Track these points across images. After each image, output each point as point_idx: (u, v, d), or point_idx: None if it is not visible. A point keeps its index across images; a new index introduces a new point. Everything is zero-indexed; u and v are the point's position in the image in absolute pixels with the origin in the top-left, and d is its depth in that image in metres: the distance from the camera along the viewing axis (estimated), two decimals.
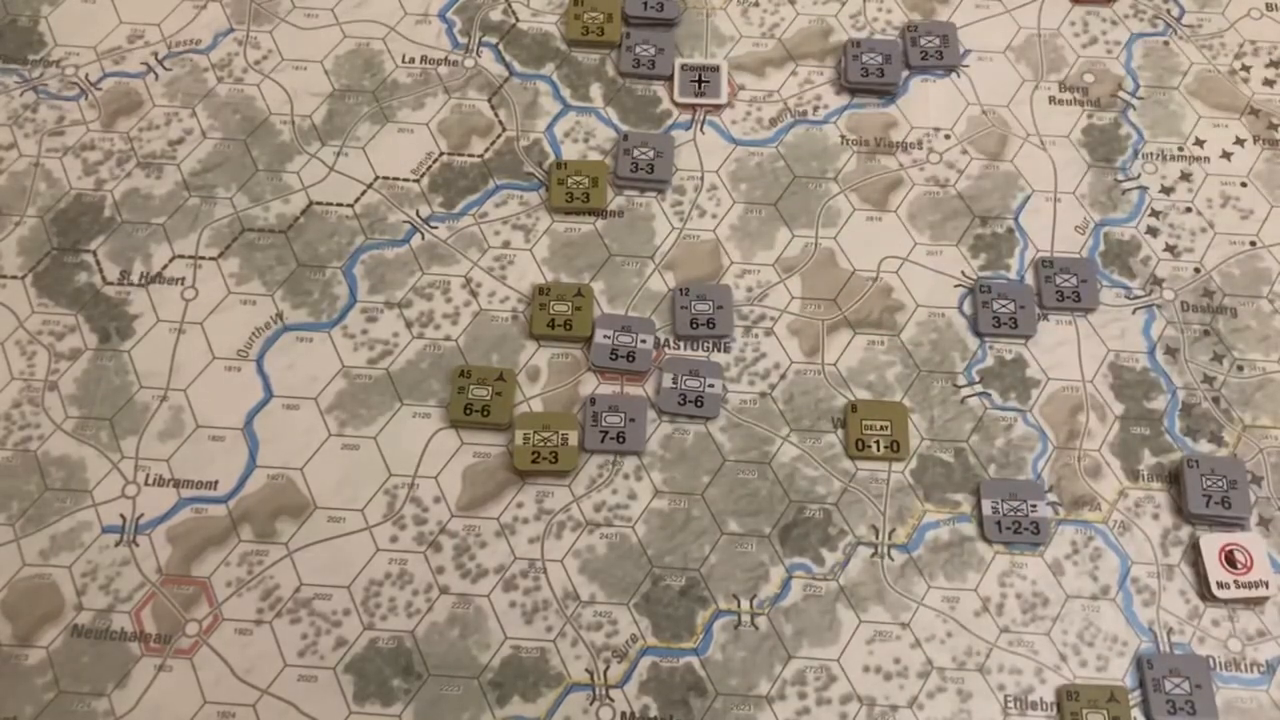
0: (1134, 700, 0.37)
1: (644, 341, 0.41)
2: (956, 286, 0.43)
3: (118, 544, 0.39)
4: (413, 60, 0.47)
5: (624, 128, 0.45)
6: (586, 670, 0.37)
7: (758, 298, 0.43)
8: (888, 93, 0.46)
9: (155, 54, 0.47)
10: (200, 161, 0.44)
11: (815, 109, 0.46)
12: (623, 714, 0.37)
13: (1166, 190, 0.45)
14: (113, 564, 0.38)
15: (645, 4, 0.47)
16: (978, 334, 0.42)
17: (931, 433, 0.41)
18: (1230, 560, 0.39)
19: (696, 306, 0.42)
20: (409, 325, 0.42)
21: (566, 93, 0.46)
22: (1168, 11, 0.48)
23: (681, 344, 0.42)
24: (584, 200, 0.44)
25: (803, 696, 0.37)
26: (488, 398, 0.40)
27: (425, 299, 0.42)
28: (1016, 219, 0.44)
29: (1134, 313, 0.42)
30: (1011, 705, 0.37)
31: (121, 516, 0.39)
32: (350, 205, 0.44)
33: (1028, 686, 0.37)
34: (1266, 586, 0.38)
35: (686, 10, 0.48)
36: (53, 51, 0.47)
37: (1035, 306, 0.42)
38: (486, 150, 0.45)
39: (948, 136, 0.45)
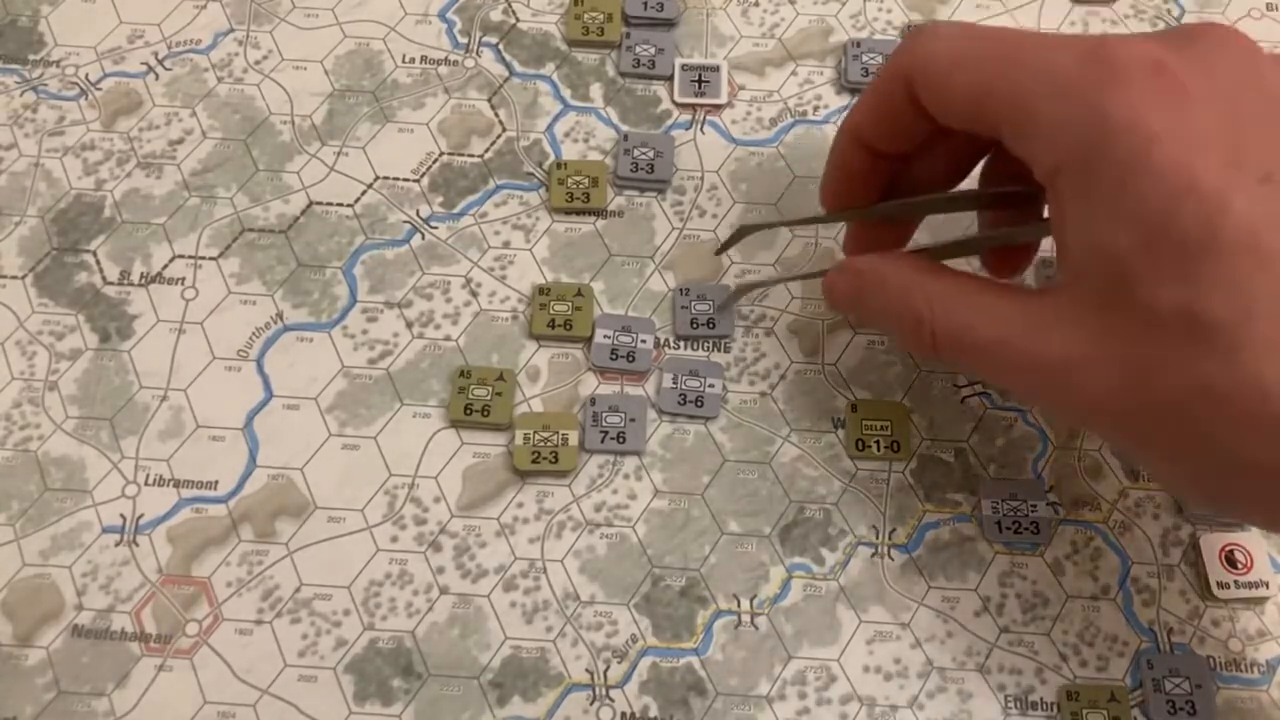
0: (1134, 700, 0.37)
1: (644, 341, 0.41)
2: None
3: (118, 544, 0.39)
4: (413, 60, 0.47)
5: (624, 128, 0.45)
6: (586, 670, 0.37)
7: (758, 298, 0.43)
8: None
9: (155, 54, 0.47)
10: (200, 161, 0.44)
11: (815, 109, 0.46)
12: (623, 714, 0.37)
13: None
14: (113, 564, 0.38)
15: (645, 4, 0.47)
16: None
17: (931, 433, 0.41)
18: (1230, 560, 0.39)
19: (696, 306, 0.42)
20: (409, 325, 0.42)
21: (566, 93, 0.46)
22: (1168, 11, 0.48)
23: (681, 344, 0.42)
24: (584, 200, 0.44)
25: (803, 696, 0.37)
26: (488, 398, 0.40)
27: (425, 299, 0.42)
28: None
29: None
30: (1011, 705, 0.37)
31: (121, 516, 0.39)
32: (350, 205, 0.44)
33: (1028, 686, 0.37)
34: (1266, 586, 0.38)
35: (686, 10, 0.48)
36: (53, 51, 0.47)
37: None
38: (486, 150, 0.45)
39: None
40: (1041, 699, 0.37)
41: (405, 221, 0.44)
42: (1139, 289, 0.28)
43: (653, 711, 0.37)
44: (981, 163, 0.37)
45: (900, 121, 0.34)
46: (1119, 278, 0.28)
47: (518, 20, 0.48)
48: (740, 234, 0.41)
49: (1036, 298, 0.32)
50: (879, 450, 0.40)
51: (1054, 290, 0.31)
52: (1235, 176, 0.27)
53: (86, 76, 0.46)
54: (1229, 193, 0.27)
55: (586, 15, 0.47)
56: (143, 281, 0.42)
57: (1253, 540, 0.39)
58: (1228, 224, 0.27)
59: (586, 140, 0.45)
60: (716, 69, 0.46)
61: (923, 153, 0.36)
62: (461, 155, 0.45)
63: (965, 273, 0.35)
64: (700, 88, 0.46)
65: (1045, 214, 0.33)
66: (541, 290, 0.42)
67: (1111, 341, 0.29)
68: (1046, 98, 0.30)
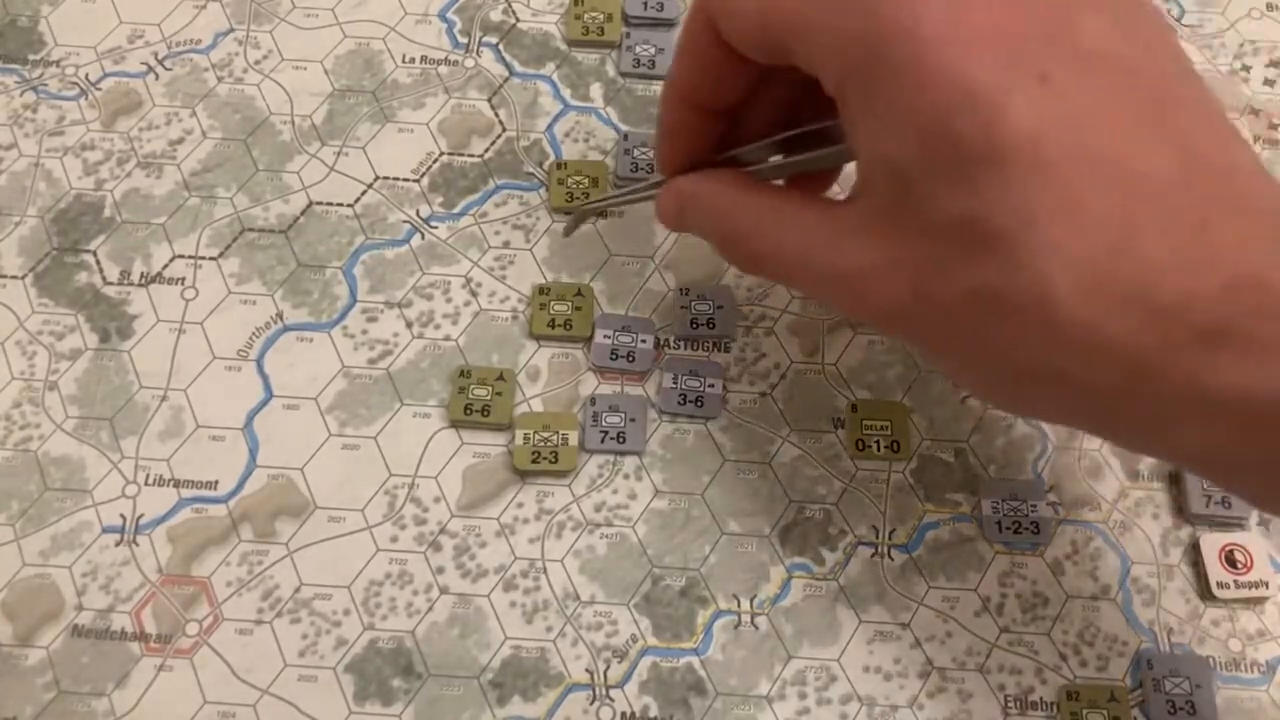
0: (1134, 700, 0.37)
1: (644, 341, 0.41)
2: None
3: (118, 544, 0.39)
4: (413, 60, 0.47)
5: (624, 128, 0.45)
6: (586, 670, 0.37)
7: (758, 298, 0.43)
8: None
9: (155, 54, 0.47)
10: (200, 161, 0.44)
11: None
12: (623, 714, 0.37)
13: None
14: (113, 564, 0.38)
15: (645, 4, 0.47)
16: None
17: (931, 433, 0.41)
18: (1230, 560, 0.39)
19: (697, 306, 0.42)
20: (409, 325, 0.42)
21: (566, 93, 0.46)
22: (1168, 11, 0.48)
23: (681, 344, 0.42)
24: (584, 200, 0.44)
25: (803, 696, 0.37)
26: (488, 398, 0.40)
27: (425, 299, 0.42)
28: None
29: None
30: (1011, 705, 0.37)
31: (121, 516, 0.39)
32: (350, 205, 0.44)
33: (1028, 686, 0.37)
34: (1266, 586, 0.38)
35: (686, 10, 0.48)
36: (53, 51, 0.47)
37: None
38: (486, 150, 0.45)
39: None
40: (1041, 699, 0.37)
41: (405, 221, 0.44)
42: (920, 198, 0.28)
43: (653, 711, 0.37)
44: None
45: (716, 70, 0.34)
46: (901, 187, 0.28)
47: (518, 20, 0.48)
48: (578, 217, 0.42)
49: (835, 210, 0.32)
50: (879, 450, 0.40)
51: (849, 201, 0.31)
52: (1013, 78, 0.26)
53: (86, 76, 0.46)
54: (1007, 96, 0.26)
55: (586, 15, 0.47)
56: (143, 281, 0.42)
57: (1253, 540, 0.39)
58: (1006, 130, 0.26)
59: (586, 140, 0.45)
60: None
61: (749, 104, 0.36)
62: (461, 155, 0.45)
63: (777, 188, 0.35)
64: None
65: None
66: (541, 290, 0.42)
67: (897, 250, 0.29)
68: (826, 9, 0.29)
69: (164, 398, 0.41)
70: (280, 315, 0.42)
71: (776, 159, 0.36)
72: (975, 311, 0.27)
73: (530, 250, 0.43)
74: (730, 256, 0.35)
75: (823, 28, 0.29)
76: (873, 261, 0.30)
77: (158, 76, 0.46)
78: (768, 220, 0.33)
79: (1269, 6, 0.48)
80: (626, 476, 0.40)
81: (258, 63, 0.46)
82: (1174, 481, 0.40)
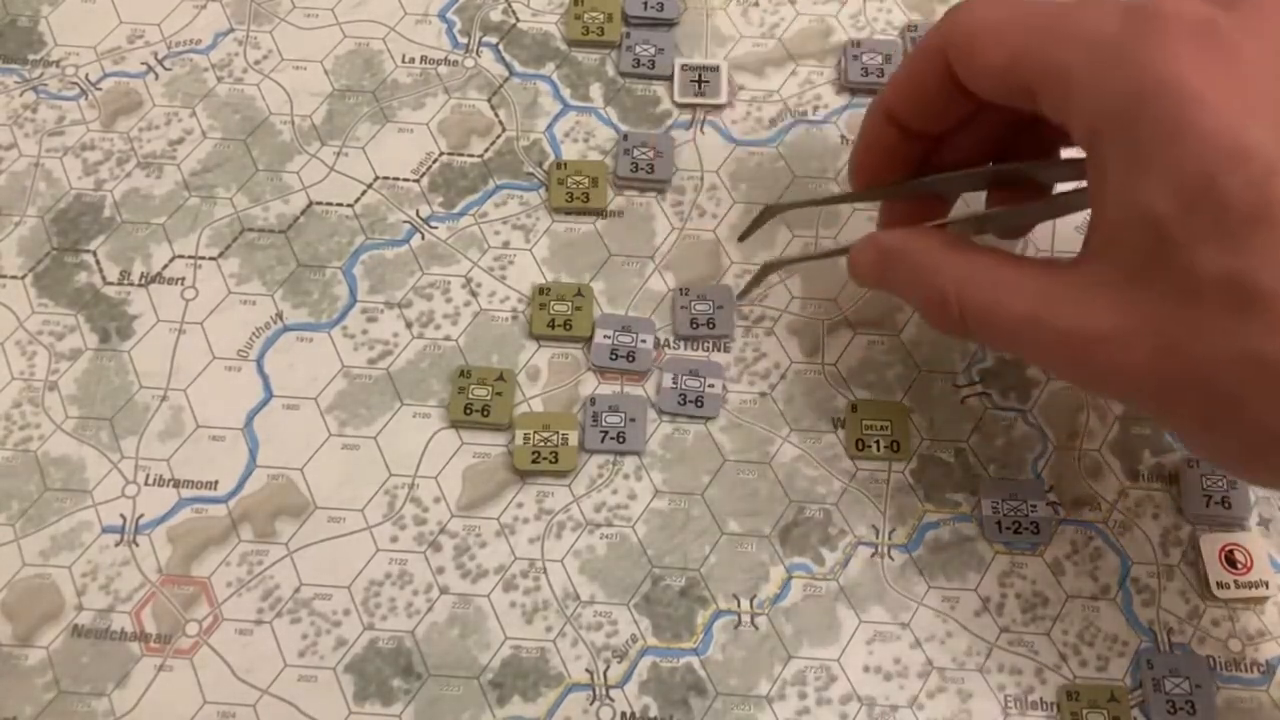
0: (1134, 700, 0.37)
1: (644, 341, 0.41)
2: None
3: (118, 544, 0.39)
4: (413, 60, 0.47)
5: (624, 128, 0.45)
6: (586, 670, 0.37)
7: (758, 298, 0.43)
8: None
9: (155, 54, 0.47)
10: (200, 161, 0.44)
11: (815, 109, 0.46)
12: (623, 714, 0.37)
13: None
14: (113, 564, 0.38)
15: (645, 4, 0.47)
16: None
17: (931, 433, 0.41)
18: (1230, 560, 0.39)
19: (696, 306, 0.42)
20: (409, 325, 0.42)
21: (566, 93, 0.46)
22: None
23: (681, 344, 0.42)
24: (584, 200, 0.44)
25: (803, 696, 0.37)
26: (488, 398, 0.40)
27: (425, 299, 0.42)
28: None
29: None
30: (1011, 705, 0.37)
31: (121, 516, 0.39)
32: (350, 205, 0.44)
33: (1028, 686, 0.37)
34: (1266, 586, 0.38)
35: (686, 10, 0.48)
36: (53, 51, 0.47)
37: None
38: (486, 150, 0.45)
39: None
40: (1041, 699, 0.37)
41: (405, 221, 0.44)
42: (1178, 255, 0.27)
43: (653, 711, 0.37)
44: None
45: (934, 98, 0.34)
46: (1157, 243, 0.27)
47: (518, 20, 0.48)
48: (765, 215, 0.42)
49: (1065, 270, 0.31)
50: (879, 450, 0.40)
51: (1083, 260, 0.30)
52: None
53: (86, 76, 0.46)
54: None
55: (586, 15, 0.47)
56: (143, 281, 0.42)
57: (1253, 540, 0.39)
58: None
59: (586, 140, 0.45)
60: (716, 69, 0.46)
61: (954, 131, 0.35)
62: (461, 155, 0.45)
63: (990, 248, 0.34)
64: (700, 88, 0.46)
65: (1056, 190, 0.32)
66: (541, 290, 0.42)
67: (1144, 311, 0.28)
68: (1086, 58, 0.29)
69: (164, 398, 0.41)
70: (280, 315, 0.42)
71: (973, 207, 0.34)
72: (1230, 374, 0.27)
73: (530, 250, 0.43)
74: (936, 318, 0.34)
75: (1083, 78, 0.29)
76: (1115, 323, 0.28)
77: (158, 76, 0.46)
78: (986, 282, 0.32)
79: None
80: (626, 476, 0.40)
81: (258, 63, 0.46)
82: (1174, 481, 0.40)
